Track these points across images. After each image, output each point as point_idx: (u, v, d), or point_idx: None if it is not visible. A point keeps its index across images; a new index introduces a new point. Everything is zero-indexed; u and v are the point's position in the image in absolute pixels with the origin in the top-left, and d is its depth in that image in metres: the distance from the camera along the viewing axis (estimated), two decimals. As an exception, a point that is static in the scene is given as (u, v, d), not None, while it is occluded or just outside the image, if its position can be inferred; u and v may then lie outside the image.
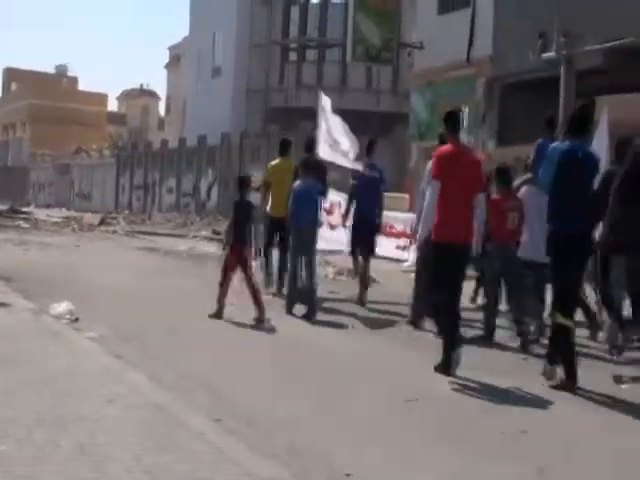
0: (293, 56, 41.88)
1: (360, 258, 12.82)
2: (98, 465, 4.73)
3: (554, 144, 8.08)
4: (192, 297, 12.52)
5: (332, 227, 13.68)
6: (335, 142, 13.25)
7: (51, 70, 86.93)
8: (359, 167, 12.72)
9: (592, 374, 7.92)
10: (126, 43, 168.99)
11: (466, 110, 12.92)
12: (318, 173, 11.97)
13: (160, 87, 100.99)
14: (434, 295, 8.26)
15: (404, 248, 12.84)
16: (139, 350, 8.30)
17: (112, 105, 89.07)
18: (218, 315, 10.53)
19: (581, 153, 7.64)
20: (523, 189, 10.03)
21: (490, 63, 22.40)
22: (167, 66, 68.45)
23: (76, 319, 9.79)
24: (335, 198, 14.08)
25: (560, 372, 7.61)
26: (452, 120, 8.27)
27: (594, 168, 7.81)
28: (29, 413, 5.66)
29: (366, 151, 12.55)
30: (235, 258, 10.66)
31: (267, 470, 4.97)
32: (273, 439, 5.61)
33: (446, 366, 7.80)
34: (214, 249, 18.53)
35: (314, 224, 11.47)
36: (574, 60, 19.22)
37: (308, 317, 10.91)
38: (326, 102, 13.50)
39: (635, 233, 7.97)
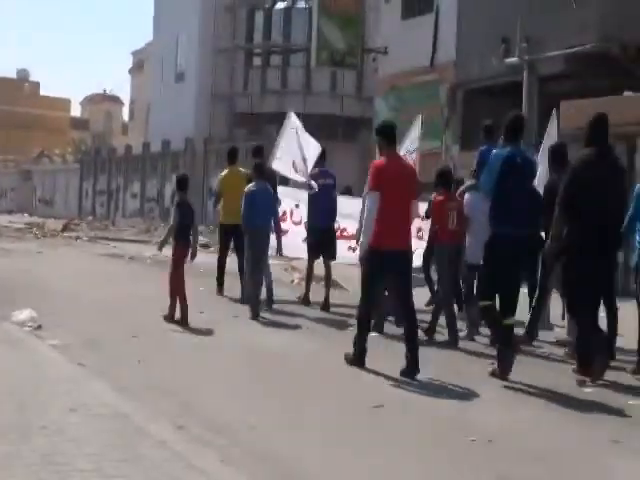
0: (257, 61, 41.83)
1: (322, 264, 12.83)
2: (60, 475, 4.67)
3: (495, 151, 8.44)
4: (156, 303, 12.39)
5: (284, 233, 13.43)
6: (293, 162, 13.22)
7: (12, 75, 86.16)
8: (312, 182, 12.77)
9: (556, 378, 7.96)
10: (89, 48, 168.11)
11: (419, 119, 13.00)
12: (270, 179, 12.31)
13: (124, 92, 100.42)
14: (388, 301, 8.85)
15: (354, 250, 13.07)
16: (103, 358, 8.21)
17: (75, 110, 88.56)
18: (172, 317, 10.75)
19: (519, 158, 8.12)
20: (467, 195, 10.27)
21: (453, 68, 22.52)
22: (131, 71, 68.16)
23: (39, 326, 9.68)
24: (287, 205, 14.02)
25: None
26: (386, 132, 8.55)
27: (532, 172, 8.42)
28: (-10, 424, 5.59)
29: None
30: (181, 257, 11.02)
31: (232, 477, 4.95)
32: (238, 446, 5.57)
33: (410, 370, 7.95)
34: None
35: (267, 225, 11.81)
36: (536, 65, 19.42)
37: (269, 305, 11.80)
38: (295, 122, 13.46)
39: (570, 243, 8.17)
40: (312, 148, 13.08)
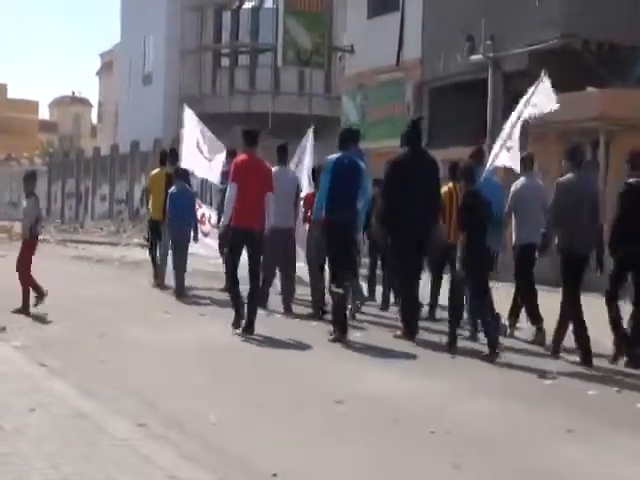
0: (226, 62, 41.72)
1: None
2: (15, 475, 4.64)
3: (329, 156, 10.27)
4: (123, 304, 12.41)
5: (205, 234, 14.49)
6: (198, 152, 14.44)
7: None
8: (214, 177, 14.38)
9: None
10: (57, 50, 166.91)
11: (310, 131, 14.03)
12: (186, 180, 13.90)
13: (92, 94, 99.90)
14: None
15: (206, 235, 14.76)
16: (66, 358, 8.17)
17: (43, 113, 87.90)
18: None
19: (347, 160, 10.08)
20: None
21: (419, 66, 22.59)
22: (99, 73, 67.73)
23: (2, 328, 9.62)
24: (206, 211, 15.00)
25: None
26: (249, 136, 10.44)
27: (358, 172, 10.11)
28: (-53, 425, 5.55)
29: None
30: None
31: (192, 473, 4.94)
32: (199, 441, 5.58)
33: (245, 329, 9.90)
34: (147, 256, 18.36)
35: (189, 225, 13.44)
36: (501, 62, 19.53)
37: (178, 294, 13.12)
38: (188, 114, 14.92)
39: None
40: (216, 148, 14.35)
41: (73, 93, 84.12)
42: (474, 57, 19.89)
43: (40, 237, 26.99)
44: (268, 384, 7.54)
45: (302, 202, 12.15)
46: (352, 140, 10.51)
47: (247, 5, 40.85)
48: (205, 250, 14.85)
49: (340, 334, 9.65)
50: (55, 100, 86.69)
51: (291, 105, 37.18)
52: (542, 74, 10.02)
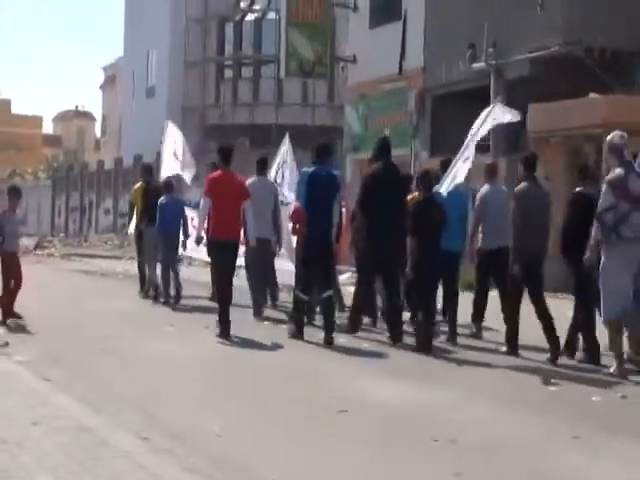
0: (229, 73, 41.79)
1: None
2: (18, 489, 4.62)
3: (304, 169, 10.94)
4: (126, 317, 12.39)
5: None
6: (174, 159, 15.91)
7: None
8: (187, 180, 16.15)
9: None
10: (60, 64, 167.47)
11: (286, 137, 15.07)
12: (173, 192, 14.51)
13: (96, 108, 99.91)
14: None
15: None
16: (69, 373, 8.14)
17: (47, 127, 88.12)
18: None
19: (325, 173, 10.58)
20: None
21: (422, 75, 22.58)
22: (102, 87, 67.91)
23: (6, 343, 9.59)
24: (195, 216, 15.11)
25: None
26: (222, 152, 11.17)
27: (335, 184, 10.70)
28: (-50, 439, 5.52)
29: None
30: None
31: (194, 485, 4.91)
32: (202, 454, 5.53)
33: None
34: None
35: (177, 232, 13.97)
36: (503, 70, 19.51)
37: (176, 300, 13.60)
38: (173, 129, 16.22)
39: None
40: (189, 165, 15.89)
41: (77, 107, 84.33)
42: (476, 65, 19.88)
43: (46, 251, 27.11)
44: (271, 394, 7.50)
45: (290, 213, 11.80)
46: (328, 154, 11.08)
47: (250, 17, 40.94)
48: (196, 254, 15.22)
49: (297, 332, 10.56)
50: (59, 114, 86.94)
51: (294, 116, 37.21)
52: (494, 103, 11.61)
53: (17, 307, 12.83)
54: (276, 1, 35.66)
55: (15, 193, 12.19)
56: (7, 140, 75.20)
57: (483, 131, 10.83)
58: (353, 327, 10.89)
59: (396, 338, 10.21)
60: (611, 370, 8.49)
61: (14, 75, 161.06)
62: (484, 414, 6.96)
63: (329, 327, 10.29)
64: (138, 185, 15.50)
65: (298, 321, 10.69)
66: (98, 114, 73.05)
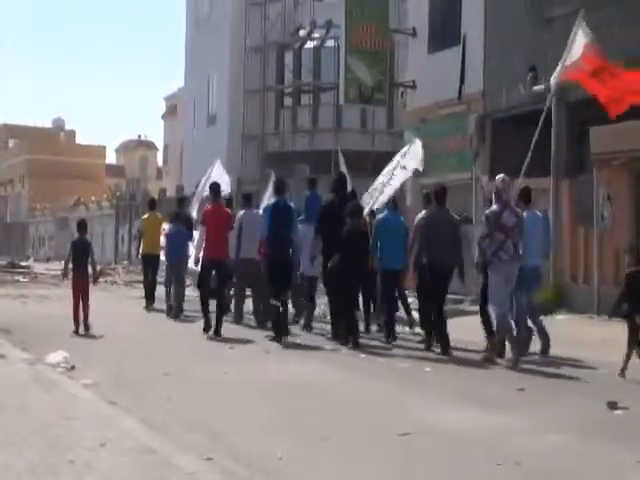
0: (288, 101, 42.08)
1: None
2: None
3: (267, 203, 14.82)
4: (188, 341, 12.53)
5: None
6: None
7: (48, 124, 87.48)
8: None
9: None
10: (123, 95, 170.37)
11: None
12: (186, 223, 17.33)
13: (157, 138, 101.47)
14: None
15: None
16: (133, 396, 8.23)
17: (110, 157, 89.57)
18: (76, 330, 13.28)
19: (282, 204, 13.38)
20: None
21: (481, 99, 22.50)
22: (164, 116, 68.92)
23: (72, 367, 9.75)
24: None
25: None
26: (212, 190, 14.17)
27: (291, 212, 13.41)
28: (20, 461, 5.60)
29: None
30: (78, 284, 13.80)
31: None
32: (265, 476, 5.54)
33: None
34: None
35: (182, 257, 16.34)
36: (564, 92, 19.34)
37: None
38: (219, 169, 20.06)
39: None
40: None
41: (139, 137, 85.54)
42: (537, 87, 19.74)
43: (109, 278, 27.66)
44: (335, 420, 7.49)
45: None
46: (285, 189, 13.71)
47: (309, 45, 41.26)
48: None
49: (276, 336, 12.56)
50: (122, 144, 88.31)
51: (354, 142, 37.29)
52: (414, 140, 14.99)
53: (82, 332, 13.09)
54: (335, 29, 35.91)
55: (82, 226, 14.56)
56: (72, 170, 76.57)
57: (400, 177, 14.50)
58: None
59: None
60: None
61: (78, 106, 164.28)
62: (549, 439, 6.85)
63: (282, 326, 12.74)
64: (150, 215, 18.56)
65: (275, 325, 12.83)
66: (160, 143, 74.10)
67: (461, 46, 23.53)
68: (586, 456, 6.37)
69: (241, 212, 15.23)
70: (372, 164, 35.93)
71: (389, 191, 14.30)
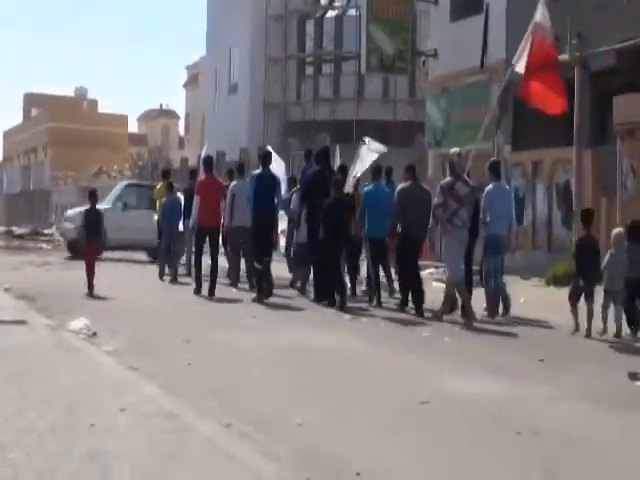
0: (309, 70, 41.97)
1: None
2: (106, 472, 4.74)
3: (253, 172, 14.77)
4: (210, 310, 12.60)
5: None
6: None
7: (71, 93, 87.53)
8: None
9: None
10: (144, 65, 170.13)
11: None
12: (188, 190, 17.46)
13: (179, 106, 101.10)
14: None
15: None
16: (154, 362, 8.29)
17: (132, 126, 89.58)
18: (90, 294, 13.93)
19: (266, 174, 14.23)
20: (294, 196, 15.37)
21: (504, 68, 22.32)
22: (185, 85, 68.88)
23: (93, 334, 9.83)
24: None
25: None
26: (206, 163, 15.64)
27: (273, 183, 14.22)
28: (42, 423, 5.70)
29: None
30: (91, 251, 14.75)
31: (278, 473, 4.96)
32: (284, 442, 5.59)
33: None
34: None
35: (175, 224, 17.47)
36: (588, 61, 19.18)
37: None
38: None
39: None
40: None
41: (161, 106, 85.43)
42: (560, 57, 19.55)
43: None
44: (354, 387, 7.54)
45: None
46: (270, 160, 14.55)
47: (330, 14, 41.04)
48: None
49: (259, 296, 13.59)
50: (144, 113, 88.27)
51: (375, 111, 37.21)
52: (361, 142, 15.02)
53: (104, 299, 13.20)
54: (357, -3, 35.74)
55: (92, 195, 15.00)
56: (94, 139, 76.63)
57: (358, 172, 14.82)
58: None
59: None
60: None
61: (100, 76, 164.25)
62: (567, 408, 6.88)
63: (266, 287, 13.72)
64: (162, 184, 18.59)
65: (259, 285, 13.86)
66: (182, 112, 74.06)
67: (484, 14, 23.36)
68: (606, 425, 6.40)
69: (233, 182, 16.04)
70: (395, 134, 36.02)
71: (360, 168, 15.04)
